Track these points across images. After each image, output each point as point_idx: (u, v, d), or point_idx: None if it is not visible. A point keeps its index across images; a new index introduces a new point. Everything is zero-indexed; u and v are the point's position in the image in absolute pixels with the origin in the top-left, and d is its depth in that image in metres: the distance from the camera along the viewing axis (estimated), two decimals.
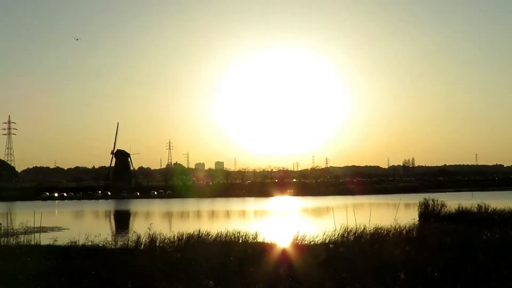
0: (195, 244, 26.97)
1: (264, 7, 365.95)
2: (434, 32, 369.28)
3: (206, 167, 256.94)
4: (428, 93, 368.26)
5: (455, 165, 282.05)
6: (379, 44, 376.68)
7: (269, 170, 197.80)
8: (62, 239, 29.87)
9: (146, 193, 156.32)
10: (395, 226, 31.20)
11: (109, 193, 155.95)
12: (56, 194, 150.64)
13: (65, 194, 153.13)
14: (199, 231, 29.81)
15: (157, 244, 27.53)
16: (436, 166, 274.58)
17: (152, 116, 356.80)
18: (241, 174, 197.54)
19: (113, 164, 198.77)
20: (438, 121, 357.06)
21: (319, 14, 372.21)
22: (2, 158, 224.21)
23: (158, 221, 63.98)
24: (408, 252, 20.71)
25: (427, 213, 49.89)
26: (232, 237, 28.88)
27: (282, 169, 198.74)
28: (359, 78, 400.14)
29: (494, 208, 47.29)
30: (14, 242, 29.13)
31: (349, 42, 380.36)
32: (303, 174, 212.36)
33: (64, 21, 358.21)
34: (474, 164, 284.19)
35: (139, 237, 28.01)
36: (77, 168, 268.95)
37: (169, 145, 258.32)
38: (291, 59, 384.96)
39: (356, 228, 29.86)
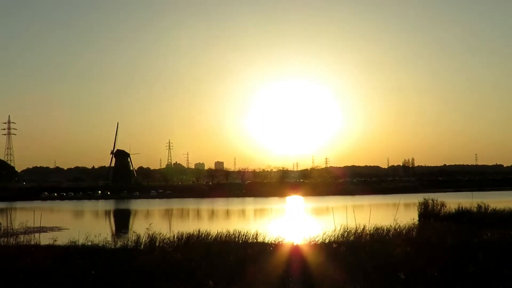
0: (195, 244, 26.98)
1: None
2: (433, 32, 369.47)
3: (206, 167, 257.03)
4: (428, 93, 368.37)
5: (455, 165, 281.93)
6: (378, 43, 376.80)
7: (269, 170, 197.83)
8: (62, 239, 29.87)
9: (146, 193, 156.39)
10: (395, 226, 31.22)
11: (109, 193, 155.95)
12: (56, 194, 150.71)
13: (65, 194, 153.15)
14: (199, 231, 29.81)
15: (157, 244, 27.53)
16: (436, 166, 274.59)
17: (152, 116, 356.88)
18: (241, 174, 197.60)
19: (113, 164, 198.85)
20: (438, 121, 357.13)
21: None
22: (2, 158, 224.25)
23: (157, 221, 63.99)
24: (408, 252, 20.71)
25: (427, 213, 49.90)
26: (232, 237, 28.86)
27: (282, 169, 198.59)
28: (359, 78, 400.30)
29: (494, 208, 47.33)
30: (14, 242, 29.18)
31: (350, 43, 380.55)
32: (303, 174, 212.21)
33: (64, 21, 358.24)
34: (474, 164, 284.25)
35: (138, 237, 28.01)
36: (77, 168, 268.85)
37: (169, 145, 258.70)
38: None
39: (356, 228, 29.88)
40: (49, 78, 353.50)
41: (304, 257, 20.49)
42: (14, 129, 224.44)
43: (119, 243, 28.39)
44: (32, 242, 29.64)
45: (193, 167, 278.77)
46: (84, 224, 62.36)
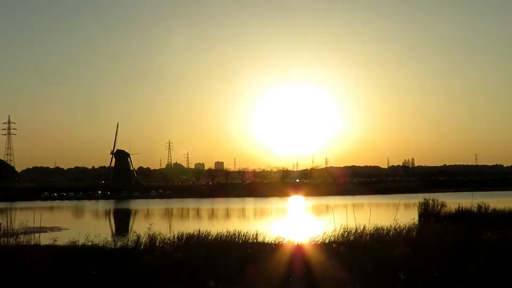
0: (195, 244, 26.98)
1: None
2: (433, 32, 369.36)
3: (206, 167, 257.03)
4: (428, 93, 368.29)
5: (455, 165, 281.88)
6: (378, 44, 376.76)
7: (269, 170, 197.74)
8: (62, 239, 29.87)
9: (146, 193, 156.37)
10: (395, 226, 31.22)
11: (108, 193, 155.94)
12: (55, 194, 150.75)
13: (65, 194, 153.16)
14: (199, 231, 29.80)
15: (157, 244, 27.52)
16: (436, 166, 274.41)
17: (152, 116, 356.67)
18: (241, 174, 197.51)
19: (113, 164, 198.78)
20: (438, 121, 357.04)
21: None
22: (2, 158, 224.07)
23: (157, 221, 63.99)
24: (408, 252, 20.73)
25: (427, 213, 49.97)
26: (232, 237, 28.86)
27: (282, 169, 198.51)
28: (359, 78, 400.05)
29: (494, 208, 47.36)
30: (14, 242, 29.16)
31: (350, 44, 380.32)
32: (303, 174, 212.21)
33: (65, 21, 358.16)
34: (474, 164, 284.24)
35: (139, 237, 28.01)
36: (77, 168, 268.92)
37: (169, 145, 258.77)
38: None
39: (356, 228, 29.87)
40: (49, 78, 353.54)
41: (304, 257, 20.50)
42: (14, 129, 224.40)
43: (119, 243, 28.38)
44: (32, 242, 29.59)
45: (193, 167, 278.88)
46: (84, 224, 62.35)
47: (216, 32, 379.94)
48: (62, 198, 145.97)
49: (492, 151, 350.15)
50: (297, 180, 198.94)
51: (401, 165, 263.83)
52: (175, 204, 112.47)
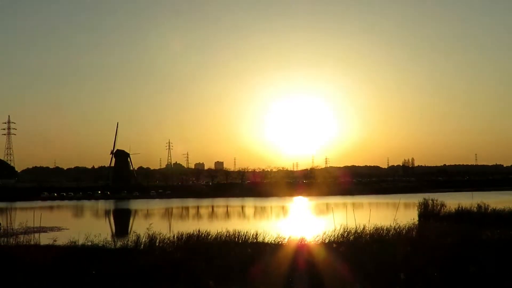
0: (195, 244, 26.98)
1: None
2: (433, 32, 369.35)
3: (206, 167, 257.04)
4: (428, 93, 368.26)
5: (455, 165, 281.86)
6: (378, 43, 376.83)
7: (269, 170, 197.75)
8: (62, 239, 29.87)
9: (146, 193, 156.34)
10: (395, 226, 31.22)
11: (108, 193, 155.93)
12: (55, 194, 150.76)
13: (65, 194, 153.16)
14: (198, 231, 29.80)
15: (157, 244, 27.55)
16: (436, 166, 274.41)
17: (152, 116, 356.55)
18: (241, 174, 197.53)
19: (112, 164, 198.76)
20: (438, 121, 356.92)
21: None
22: (2, 158, 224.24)
23: (157, 221, 63.99)
24: (408, 252, 20.73)
25: (427, 213, 49.98)
26: (232, 237, 28.88)
27: (282, 169, 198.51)
28: (359, 78, 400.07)
29: (494, 208, 47.39)
30: (14, 242, 29.16)
31: (349, 42, 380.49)
32: (303, 174, 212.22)
33: (65, 21, 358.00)
34: (474, 164, 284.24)
35: (138, 237, 28.02)
36: (77, 168, 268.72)
37: (169, 145, 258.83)
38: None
39: (356, 228, 29.88)
40: (49, 78, 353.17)
41: (304, 257, 20.49)
42: (14, 129, 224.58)
43: (119, 243, 28.39)
44: (32, 242, 29.57)
45: (193, 167, 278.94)
46: (84, 224, 62.35)
47: (217, 34, 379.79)
48: (62, 198, 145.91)
49: (492, 151, 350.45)
50: (297, 180, 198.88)
51: (401, 165, 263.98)
52: (175, 204, 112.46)
